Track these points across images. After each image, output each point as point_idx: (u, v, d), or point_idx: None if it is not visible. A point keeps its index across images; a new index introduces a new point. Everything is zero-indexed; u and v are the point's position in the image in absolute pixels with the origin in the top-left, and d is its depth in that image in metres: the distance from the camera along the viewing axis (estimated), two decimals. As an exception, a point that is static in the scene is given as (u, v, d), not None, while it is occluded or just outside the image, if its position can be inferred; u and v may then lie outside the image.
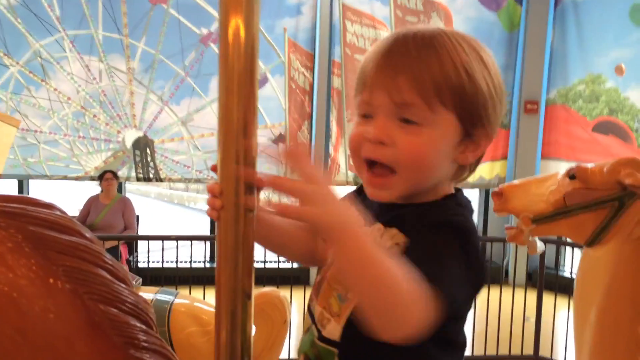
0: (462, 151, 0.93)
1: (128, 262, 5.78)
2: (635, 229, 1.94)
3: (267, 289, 2.67)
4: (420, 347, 0.82)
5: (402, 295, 0.74)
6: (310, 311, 1.00)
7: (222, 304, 0.86)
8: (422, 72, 0.88)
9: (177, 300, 2.62)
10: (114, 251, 5.21)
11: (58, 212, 0.88)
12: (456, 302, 0.82)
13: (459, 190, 1.00)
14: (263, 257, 4.16)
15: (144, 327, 0.88)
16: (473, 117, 0.91)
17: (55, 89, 6.37)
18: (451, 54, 0.89)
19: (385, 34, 6.72)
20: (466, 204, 0.97)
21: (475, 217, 7.57)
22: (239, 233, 0.87)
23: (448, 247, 0.83)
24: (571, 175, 2.07)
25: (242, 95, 0.85)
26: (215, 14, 6.52)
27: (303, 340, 1.00)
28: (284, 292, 2.72)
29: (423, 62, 0.89)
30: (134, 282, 2.66)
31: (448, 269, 0.81)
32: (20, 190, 6.75)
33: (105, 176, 6.03)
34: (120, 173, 6.46)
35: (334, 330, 0.92)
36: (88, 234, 0.89)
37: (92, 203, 6.08)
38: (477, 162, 0.98)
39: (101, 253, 0.88)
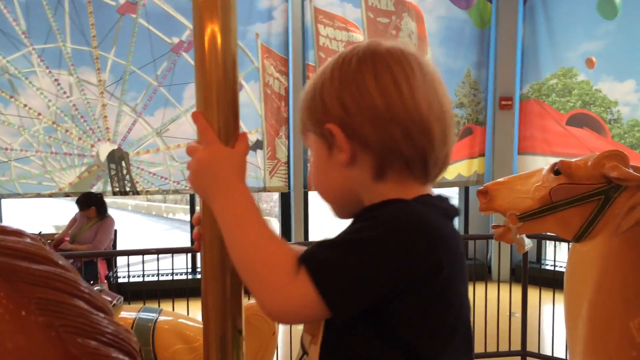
0: (336, 154, 0.87)
1: (107, 278, 5.64)
2: (622, 222, 1.93)
3: (254, 301, 2.59)
4: None
5: (260, 259, 0.78)
6: (302, 341, 0.95)
7: (210, 330, 0.80)
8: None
9: (160, 318, 2.55)
10: (92, 266, 5.10)
11: (28, 240, 0.82)
12: (333, 280, 0.76)
13: (398, 201, 0.87)
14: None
15: (126, 358, 0.82)
16: (318, 124, 0.88)
17: (25, 105, 6.21)
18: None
19: (358, 36, 6.71)
20: (398, 211, 0.84)
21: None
22: (224, 250, 0.82)
23: (348, 234, 0.81)
24: (556, 170, 2.05)
25: (222, 105, 0.80)
26: (186, 22, 6.43)
27: None
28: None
29: None
30: (115, 302, 2.58)
31: (330, 250, 0.78)
32: (-7, 210, 6.57)
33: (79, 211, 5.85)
34: (95, 188, 6.32)
35: (314, 352, 0.88)
36: (62, 261, 0.82)
37: (78, 215, 5.96)
38: (391, 159, 0.86)
39: (77, 282, 0.82)
